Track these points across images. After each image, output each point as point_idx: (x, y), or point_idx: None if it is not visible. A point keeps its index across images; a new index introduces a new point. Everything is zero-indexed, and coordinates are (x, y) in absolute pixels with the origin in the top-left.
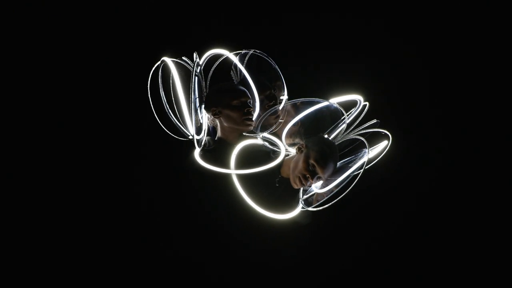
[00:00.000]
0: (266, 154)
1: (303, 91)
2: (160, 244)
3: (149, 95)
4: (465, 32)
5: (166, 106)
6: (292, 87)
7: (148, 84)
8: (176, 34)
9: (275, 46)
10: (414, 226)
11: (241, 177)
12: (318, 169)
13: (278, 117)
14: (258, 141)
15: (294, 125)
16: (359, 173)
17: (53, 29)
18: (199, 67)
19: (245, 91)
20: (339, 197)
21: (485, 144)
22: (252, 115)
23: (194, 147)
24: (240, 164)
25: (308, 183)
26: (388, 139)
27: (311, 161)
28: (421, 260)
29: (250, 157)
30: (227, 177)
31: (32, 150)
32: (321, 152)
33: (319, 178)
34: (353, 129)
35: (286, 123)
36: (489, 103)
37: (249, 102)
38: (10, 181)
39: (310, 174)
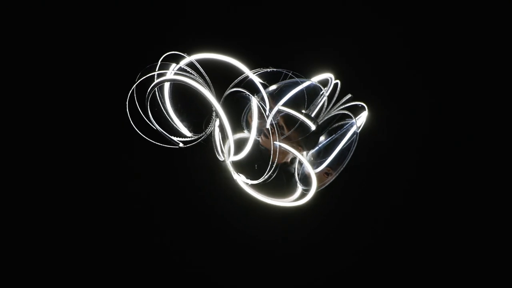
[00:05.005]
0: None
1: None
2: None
3: (126, 104)
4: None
5: (146, 116)
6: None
7: (129, 95)
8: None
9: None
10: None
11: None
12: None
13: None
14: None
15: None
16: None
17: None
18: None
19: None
20: (338, 171)
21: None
22: None
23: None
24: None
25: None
26: (365, 110)
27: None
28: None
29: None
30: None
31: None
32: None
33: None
34: (331, 108)
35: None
36: (470, 73)
37: None
38: None
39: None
